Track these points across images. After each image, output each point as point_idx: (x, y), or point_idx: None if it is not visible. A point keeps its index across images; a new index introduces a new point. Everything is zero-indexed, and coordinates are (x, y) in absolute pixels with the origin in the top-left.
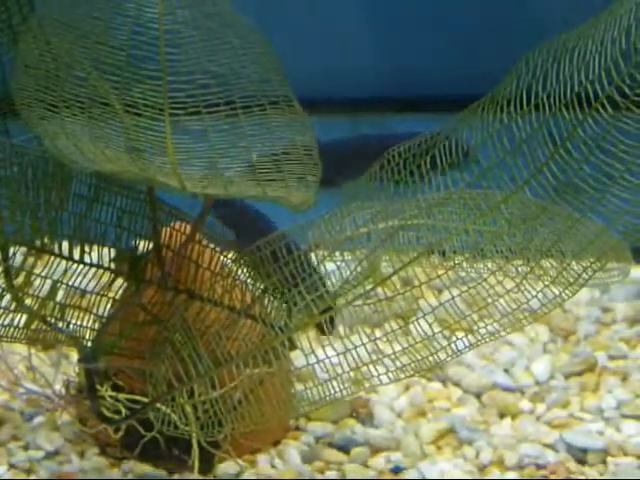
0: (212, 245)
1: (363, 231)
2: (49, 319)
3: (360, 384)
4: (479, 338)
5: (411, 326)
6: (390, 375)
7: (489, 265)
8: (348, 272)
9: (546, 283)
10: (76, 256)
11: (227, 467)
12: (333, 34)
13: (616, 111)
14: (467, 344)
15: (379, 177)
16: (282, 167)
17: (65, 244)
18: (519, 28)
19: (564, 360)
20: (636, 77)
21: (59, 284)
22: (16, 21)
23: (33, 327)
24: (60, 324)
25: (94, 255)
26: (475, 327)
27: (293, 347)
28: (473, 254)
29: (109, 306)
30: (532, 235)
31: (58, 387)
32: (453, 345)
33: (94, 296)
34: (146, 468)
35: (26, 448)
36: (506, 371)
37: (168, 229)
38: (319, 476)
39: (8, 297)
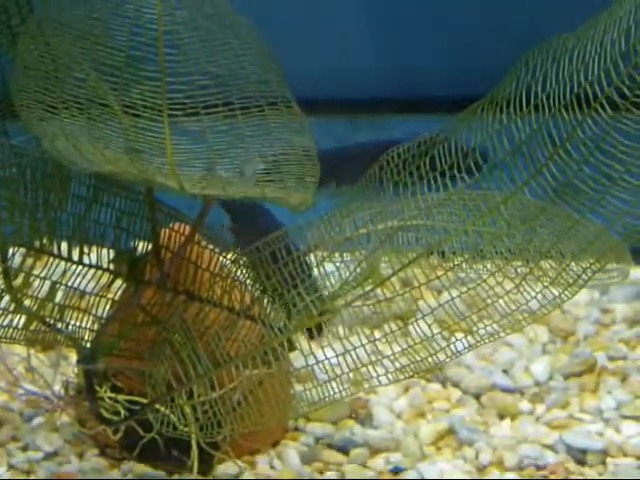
0: (211, 246)
1: (362, 232)
2: (48, 320)
3: (359, 385)
4: (478, 339)
5: (410, 327)
6: (389, 376)
7: (488, 266)
8: (347, 273)
9: (545, 284)
10: (75, 257)
11: (226, 468)
12: (332, 35)
13: (615, 112)
14: (466, 345)
15: (378, 178)
16: (281, 168)
17: (64, 245)
18: (519, 28)
19: (563, 361)
20: (635, 78)
21: (58, 285)
22: (15, 22)
23: (32, 328)
24: (59, 325)
25: (93, 256)
26: (474, 328)
27: (292, 348)
28: (472, 255)
29: (108, 307)
30: (531, 236)
31: (57, 388)
32: (452, 346)
33: (93, 297)
34: (145, 469)
35: (25, 449)
36: (505, 372)
37: (167, 230)
38: (318, 477)
39: (7, 298)
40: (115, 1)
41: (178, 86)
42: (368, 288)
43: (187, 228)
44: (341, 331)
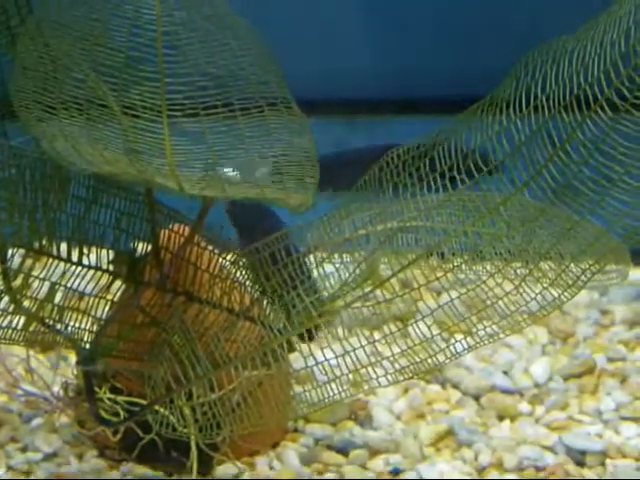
0: (211, 247)
1: (362, 233)
2: (47, 321)
3: (359, 386)
4: (478, 340)
5: (410, 328)
6: (389, 377)
7: (488, 267)
8: (347, 274)
9: (545, 285)
10: (74, 258)
11: (226, 469)
12: (331, 35)
13: (615, 113)
14: (466, 346)
15: (378, 179)
16: (280, 169)
17: (63, 246)
18: (519, 29)
19: (563, 362)
20: (635, 79)
21: (57, 286)
22: (14, 23)
23: (31, 329)
24: (58, 326)
25: (92, 257)
26: (474, 329)
27: (292, 349)
28: (472, 256)
29: (107, 308)
30: (531, 237)
31: (56, 389)
32: (452, 347)
33: (92, 298)
34: (145, 470)
35: (24, 450)
36: (505, 373)
37: (167, 231)
38: (318, 478)
39: (6, 299)
40: (114, 2)
41: (177, 87)
42: (368, 289)
43: (186, 229)
44: (340, 332)
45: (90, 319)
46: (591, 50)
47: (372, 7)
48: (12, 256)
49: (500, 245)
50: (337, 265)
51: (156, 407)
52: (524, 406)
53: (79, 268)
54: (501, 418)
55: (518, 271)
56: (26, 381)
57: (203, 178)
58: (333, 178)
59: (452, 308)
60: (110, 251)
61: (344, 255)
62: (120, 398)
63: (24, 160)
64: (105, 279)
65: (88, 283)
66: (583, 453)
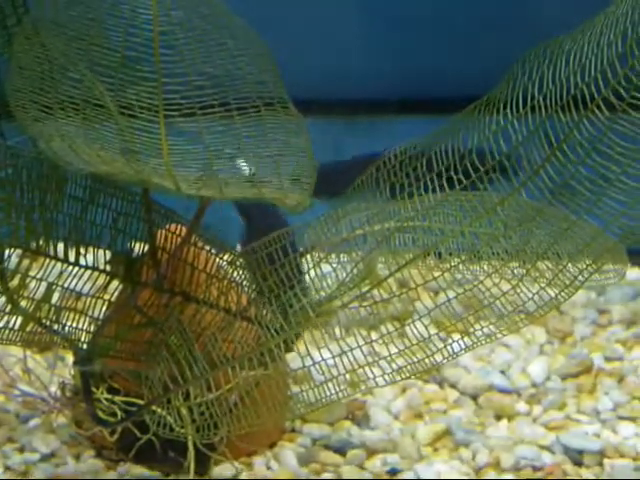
0: (208, 247)
1: (359, 233)
2: (44, 321)
3: (356, 386)
4: (475, 340)
5: (407, 328)
6: (386, 377)
7: (485, 267)
8: (344, 274)
9: (542, 285)
10: (71, 258)
11: (223, 469)
12: (330, 35)
13: (612, 113)
14: (463, 346)
15: (375, 179)
16: (277, 169)
17: (60, 246)
18: (519, 29)
19: (560, 362)
20: (632, 79)
21: (54, 286)
22: (11, 22)
23: (28, 329)
24: (55, 326)
25: (89, 257)
26: (471, 329)
27: (289, 349)
28: (469, 256)
29: (105, 308)
30: (528, 237)
31: (54, 389)
32: (449, 347)
33: (89, 298)
34: (142, 470)
35: (22, 450)
36: (502, 373)
37: (163, 231)
38: (315, 478)
39: (3, 299)
40: (111, 2)
41: (174, 87)
42: (365, 289)
43: (183, 229)
44: (338, 332)
45: (87, 319)
46: (588, 50)
47: (372, 7)
48: (9, 256)
49: (497, 245)
50: (334, 265)
51: (153, 407)
52: (522, 406)
53: (76, 268)
54: (499, 418)
55: (515, 271)
56: (23, 381)
57: (200, 178)
58: (330, 187)
59: (449, 308)
60: (107, 251)
61: (341, 255)
62: (117, 398)
63: (21, 160)
64: (102, 279)
65: (85, 283)
66: (581, 453)
